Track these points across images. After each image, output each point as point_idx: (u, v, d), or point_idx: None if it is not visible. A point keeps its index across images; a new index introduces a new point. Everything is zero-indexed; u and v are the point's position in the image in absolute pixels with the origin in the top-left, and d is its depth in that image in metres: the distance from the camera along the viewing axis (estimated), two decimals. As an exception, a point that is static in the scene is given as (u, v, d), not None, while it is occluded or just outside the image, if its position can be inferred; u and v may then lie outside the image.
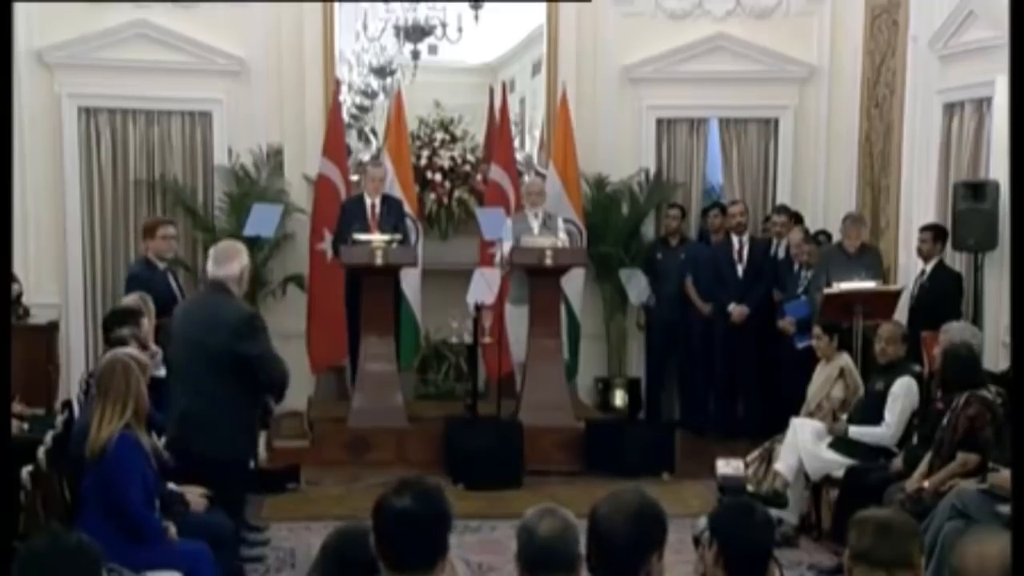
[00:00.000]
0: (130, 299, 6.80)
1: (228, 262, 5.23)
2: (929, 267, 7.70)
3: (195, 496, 5.26)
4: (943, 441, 5.78)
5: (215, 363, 5.08)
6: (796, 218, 9.12)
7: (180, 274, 9.10)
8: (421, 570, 2.80)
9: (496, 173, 9.05)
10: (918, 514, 4.84)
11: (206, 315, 5.19)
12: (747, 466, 6.68)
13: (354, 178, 9.03)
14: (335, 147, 8.91)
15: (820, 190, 9.69)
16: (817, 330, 7.07)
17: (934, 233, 7.73)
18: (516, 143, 9.65)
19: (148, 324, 6.29)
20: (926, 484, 5.69)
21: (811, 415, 6.84)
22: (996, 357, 7.10)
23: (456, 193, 9.28)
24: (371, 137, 10.46)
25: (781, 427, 6.93)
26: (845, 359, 6.95)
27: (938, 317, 6.94)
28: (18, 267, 7.88)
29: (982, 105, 7.52)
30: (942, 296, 7.52)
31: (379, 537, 2.80)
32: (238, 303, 5.29)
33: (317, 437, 8.10)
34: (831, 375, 6.90)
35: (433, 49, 10.08)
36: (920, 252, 7.76)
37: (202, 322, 5.17)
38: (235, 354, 5.05)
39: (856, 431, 6.47)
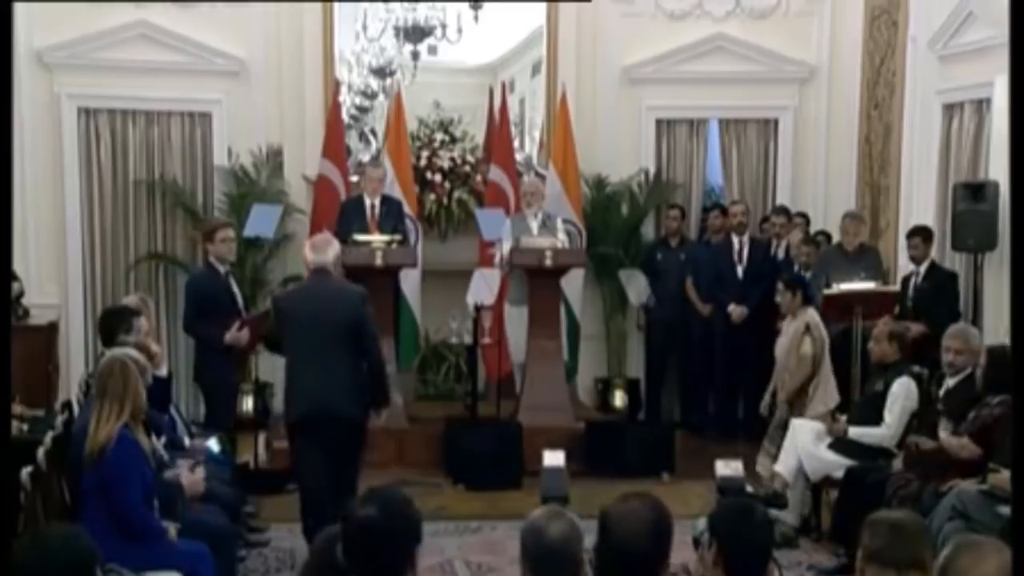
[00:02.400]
0: (129, 299, 6.80)
1: (325, 250, 5.85)
2: (923, 268, 7.66)
3: (193, 478, 5.28)
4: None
5: (344, 334, 5.65)
6: (804, 218, 9.13)
7: (178, 274, 9.15)
8: None
9: (496, 174, 9.05)
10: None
11: (329, 294, 5.76)
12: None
13: (354, 179, 9.02)
14: (335, 148, 8.91)
15: (820, 191, 9.70)
16: (780, 286, 7.13)
17: (923, 237, 7.69)
18: (516, 144, 9.65)
19: (147, 324, 6.30)
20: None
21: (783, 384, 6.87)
22: (996, 358, 7.09)
23: (456, 194, 9.28)
24: (371, 138, 10.47)
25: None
26: (811, 314, 7.00)
27: (935, 318, 6.93)
28: (18, 268, 7.87)
29: (982, 106, 7.52)
30: (939, 296, 7.49)
31: (345, 545, 2.80)
32: (350, 283, 6.07)
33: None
34: (798, 330, 6.98)
35: (433, 50, 10.08)
36: (913, 259, 7.71)
37: (327, 300, 5.72)
38: (359, 324, 5.67)
39: (856, 432, 6.47)
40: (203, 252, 7.58)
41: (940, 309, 7.12)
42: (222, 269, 7.19)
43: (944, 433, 5.80)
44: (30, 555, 2.88)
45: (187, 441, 6.23)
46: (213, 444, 6.38)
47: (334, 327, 5.64)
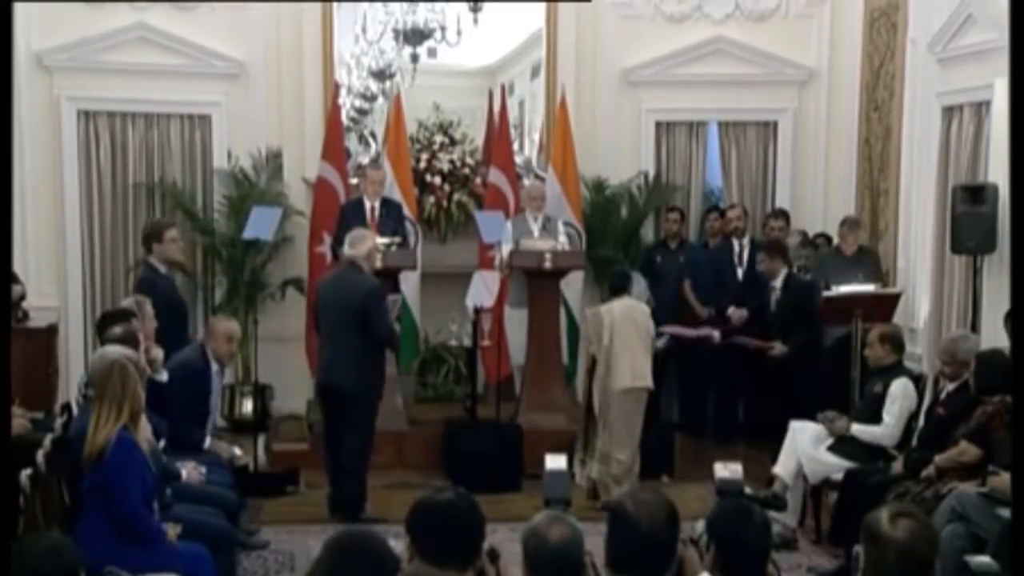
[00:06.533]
0: (126, 301, 6.81)
1: (359, 245, 6.83)
2: (778, 282, 7.56)
3: (193, 471, 5.31)
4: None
5: (354, 318, 6.62)
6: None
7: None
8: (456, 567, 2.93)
9: (495, 176, 9.05)
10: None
11: (348, 283, 6.74)
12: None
13: (353, 181, 9.02)
14: (334, 150, 8.91)
15: (819, 193, 9.69)
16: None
17: (768, 251, 7.62)
18: (515, 146, 9.65)
19: (149, 325, 6.31)
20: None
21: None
22: (995, 360, 7.08)
23: (455, 196, 9.28)
24: (370, 140, 10.47)
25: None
26: (615, 302, 7.20)
27: (796, 337, 6.82)
28: (17, 270, 7.86)
29: (981, 108, 7.52)
30: (796, 311, 7.36)
31: (419, 528, 2.99)
32: (369, 275, 6.86)
33: (316, 440, 8.08)
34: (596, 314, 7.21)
35: (432, 52, 10.09)
36: (765, 273, 7.65)
37: (346, 288, 6.72)
38: (367, 310, 6.60)
39: (857, 428, 6.50)
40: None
41: (799, 325, 6.92)
42: (163, 270, 7.17)
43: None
44: (15, 566, 2.88)
45: (208, 441, 6.27)
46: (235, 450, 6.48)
47: (347, 312, 6.64)
